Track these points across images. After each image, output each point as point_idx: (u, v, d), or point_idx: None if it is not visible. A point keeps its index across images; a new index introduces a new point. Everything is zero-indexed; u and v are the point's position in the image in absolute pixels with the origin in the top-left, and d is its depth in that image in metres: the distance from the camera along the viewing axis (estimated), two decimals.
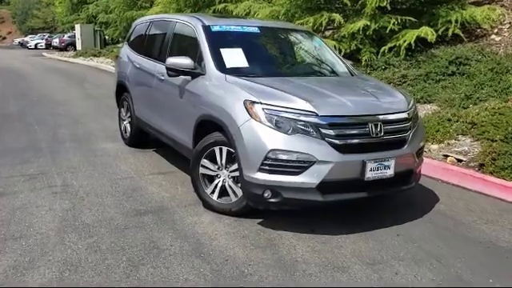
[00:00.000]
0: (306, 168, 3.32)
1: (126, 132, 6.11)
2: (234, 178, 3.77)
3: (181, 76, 4.27)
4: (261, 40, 4.67)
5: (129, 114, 5.94)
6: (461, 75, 7.81)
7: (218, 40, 4.40)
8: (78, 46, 30.07)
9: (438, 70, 8.03)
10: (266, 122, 3.40)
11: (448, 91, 7.43)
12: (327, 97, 3.64)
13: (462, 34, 8.74)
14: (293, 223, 3.68)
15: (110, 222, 3.65)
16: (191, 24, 4.60)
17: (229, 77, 3.92)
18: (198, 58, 4.26)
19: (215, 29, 4.47)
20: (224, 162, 3.80)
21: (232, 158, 3.73)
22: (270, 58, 4.56)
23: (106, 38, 29.78)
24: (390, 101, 3.82)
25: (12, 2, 71.13)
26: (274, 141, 3.34)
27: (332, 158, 3.33)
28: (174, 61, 4.19)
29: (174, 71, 4.22)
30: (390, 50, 8.93)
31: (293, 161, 3.33)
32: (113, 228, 3.56)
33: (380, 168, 3.49)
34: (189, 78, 4.26)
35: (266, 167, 3.36)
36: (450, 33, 8.68)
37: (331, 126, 3.40)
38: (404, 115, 3.70)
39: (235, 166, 3.69)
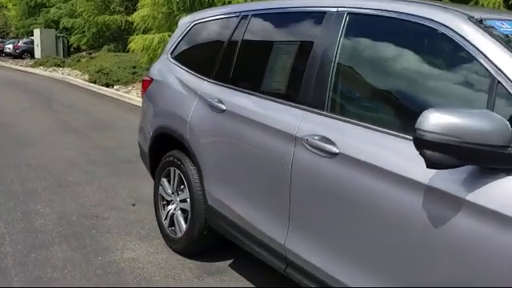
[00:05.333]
0: None
1: (173, 225, 3.17)
2: None
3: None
4: None
5: (184, 196, 3.02)
6: None
7: None
8: (37, 54, 26.15)
9: None
10: None
11: None
12: None
13: None
14: None
15: None
16: (427, 19, 1.78)
17: None
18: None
19: (505, 29, 1.71)
20: None
21: None
22: None
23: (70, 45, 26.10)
24: None
25: None
26: None
27: None
28: (450, 121, 1.37)
29: (456, 153, 1.39)
30: None
31: None
32: None
33: None
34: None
35: None
36: None
37: None
38: None
39: None
